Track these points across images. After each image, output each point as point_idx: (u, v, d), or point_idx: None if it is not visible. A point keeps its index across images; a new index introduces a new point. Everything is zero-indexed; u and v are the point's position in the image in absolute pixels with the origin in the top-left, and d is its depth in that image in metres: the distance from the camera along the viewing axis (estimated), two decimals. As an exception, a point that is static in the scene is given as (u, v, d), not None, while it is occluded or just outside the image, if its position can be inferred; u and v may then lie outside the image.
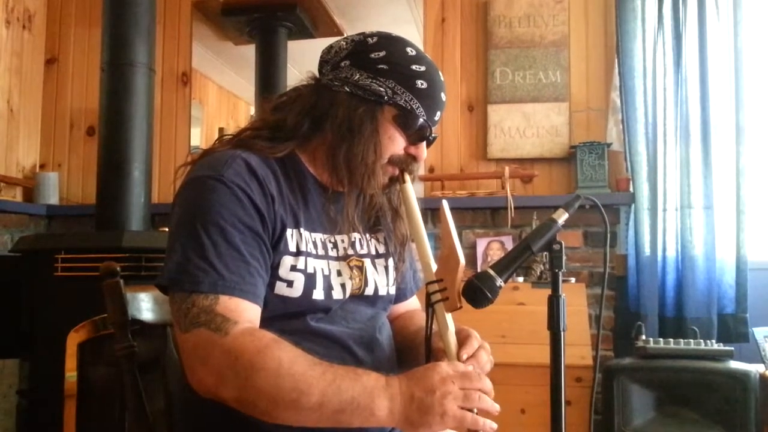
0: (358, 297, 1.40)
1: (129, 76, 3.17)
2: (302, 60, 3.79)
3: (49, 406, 2.85)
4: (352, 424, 1.12)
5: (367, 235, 1.47)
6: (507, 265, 1.27)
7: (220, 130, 4.02)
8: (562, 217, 1.29)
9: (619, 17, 3.38)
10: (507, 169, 3.37)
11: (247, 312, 1.20)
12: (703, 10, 3.25)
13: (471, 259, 3.41)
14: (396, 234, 1.49)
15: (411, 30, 3.67)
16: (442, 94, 1.38)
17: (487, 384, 1.18)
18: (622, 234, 3.40)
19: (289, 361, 1.12)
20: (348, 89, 1.34)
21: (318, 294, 1.31)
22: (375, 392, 1.12)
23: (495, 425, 1.17)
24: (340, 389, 1.11)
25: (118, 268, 1.41)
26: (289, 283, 1.28)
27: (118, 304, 1.40)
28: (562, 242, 1.28)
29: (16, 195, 3.79)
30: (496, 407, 1.17)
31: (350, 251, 1.41)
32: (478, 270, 1.46)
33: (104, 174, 3.18)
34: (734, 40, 3.24)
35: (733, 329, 3.17)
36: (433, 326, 1.31)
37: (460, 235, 3.42)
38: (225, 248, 1.20)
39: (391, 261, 1.50)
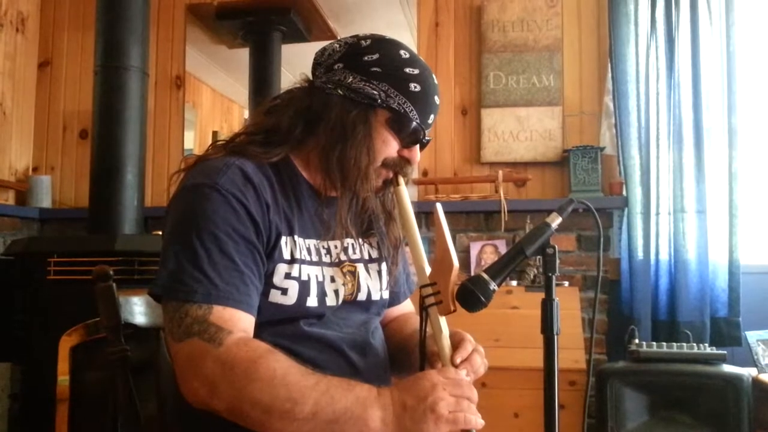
0: (351, 303, 1.40)
1: (122, 80, 3.17)
2: (296, 63, 3.78)
3: (42, 410, 2.84)
4: None
5: (360, 240, 1.47)
6: (500, 269, 1.27)
7: (214, 133, 4.01)
8: (555, 220, 1.29)
9: (612, 21, 3.39)
10: (500, 173, 3.38)
11: (241, 322, 1.19)
12: (695, 14, 3.26)
13: (464, 263, 3.41)
14: (389, 237, 1.49)
15: (405, 34, 3.67)
16: (436, 97, 1.38)
17: (475, 394, 1.18)
18: (615, 238, 3.41)
19: (283, 371, 1.12)
20: (341, 92, 1.33)
21: (312, 301, 1.31)
22: (368, 402, 1.12)
23: (483, 422, 1.17)
24: (333, 399, 1.11)
25: (111, 272, 1.41)
26: (284, 291, 1.28)
27: (110, 307, 1.40)
28: (556, 246, 1.28)
29: (9, 198, 3.77)
30: (481, 422, 1.17)
31: (343, 257, 1.41)
32: (472, 274, 1.46)
33: (97, 177, 3.18)
34: (726, 44, 3.25)
35: (725, 333, 3.18)
36: (427, 330, 1.31)
37: (453, 238, 3.44)
38: (219, 257, 1.19)
39: (384, 265, 1.50)
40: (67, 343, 2.71)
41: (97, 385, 2.74)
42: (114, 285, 1.41)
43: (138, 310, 1.49)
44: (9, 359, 3.36)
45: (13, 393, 3.38)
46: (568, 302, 2.93)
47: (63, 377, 2.72)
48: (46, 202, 3.79)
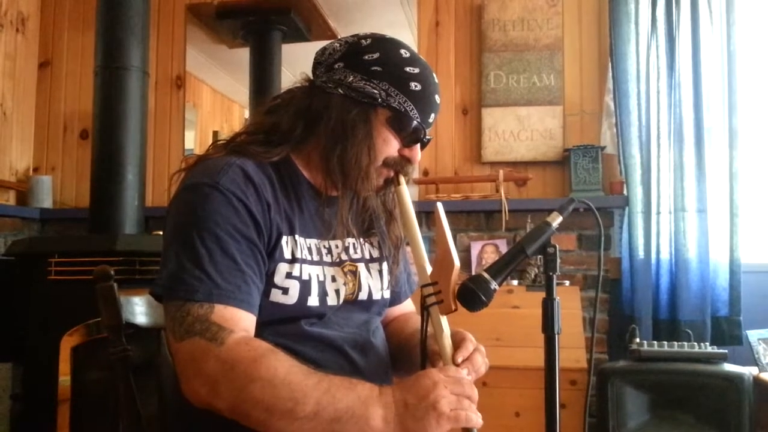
0: (352, 302, 1.40)
1: (123, 80, 3.17)
2: (296, 63, 3.78)
3: (43, 410, 2.84)
4: None
5: (361, 240, 1.47)
6: (501, 269, 1.27)
7: (215, 133, 4.01)
8: (556, 220, 1.29)
9: (612, 21, 3.39)
10: (501, 173, 3.38)
11: (242, 321, 1.19)
12: (696, 13, 3.26)
13: (465, 263, 3.41)
14: (390, 237, 1.49)
15: (405, 33, 3.67)
16: (437, 96, 1.38)
17: (475, 393, 1.18)
18: (616, 237, 3.41)
19: (285, 371, 1.12)
20: (341, 91, 1.33)
21: (313, 301, 1.31)
22: (369, 401, 1.12)
23: (482, 422, 1.17)
24: (335, 398, 1.10)
25: (112, 272, 1.41)
26: (285, 291, 1.28)
27: (111, 307, 1.40)
28: (557, 245, 1.28)
29: (10, 198, 3.77)
30: (480, 421, 1.17)
31: (344, 256, 1.41)
32: (473, 273, 1.46)
33: (98, 177, 3.18)
34: (727, 44, 3.25)
35: (726, 332, 3.18)
36: (428, 329, 1.31)
37: (454, 238, 3.43)
38: (220, 257, 1.19)
39: (385, 265, 1.49)
40: (68, 343, 2.72)
41: (98, 385, 2.74)
42: (115, 285, 1.41)
43: (139, 310, 1.49)
44: (10, 359, 3.36)
45: (14, 393, 3.38)
46: (569, 301, 2.93)
47: (64, 377, 2.73)
48: (46, 203, 3.79)
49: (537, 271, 3.13)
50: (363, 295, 1.42)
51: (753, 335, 2.92)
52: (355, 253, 1.44)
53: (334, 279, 1.36)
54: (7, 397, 3.38)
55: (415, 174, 3.34)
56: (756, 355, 2.86)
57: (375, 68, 1.32)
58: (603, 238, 1.43)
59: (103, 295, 1.39)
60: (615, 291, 3.35)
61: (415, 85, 1.33)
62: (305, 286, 1.30)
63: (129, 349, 1.40)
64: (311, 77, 1.42)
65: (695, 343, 2.73)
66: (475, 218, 3.50)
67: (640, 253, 3.26)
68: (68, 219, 3.82)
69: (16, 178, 3.81)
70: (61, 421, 2.73)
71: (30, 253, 3.02)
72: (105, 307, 1.40)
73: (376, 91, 1.31)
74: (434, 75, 1.39)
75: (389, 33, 1.40)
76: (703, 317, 3.15)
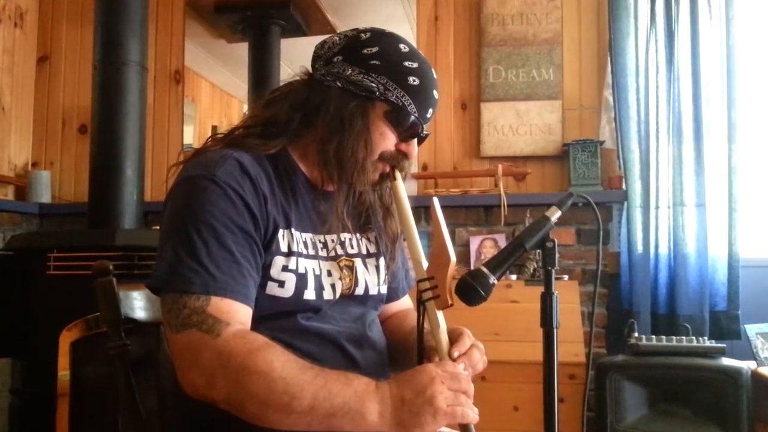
0: (348, 297, 1.40)
1: (121, 75, 3.16)
2: (295, 58, 3.78)
3: (43, 405, 2.84)
4: (343, 429, 1.12)
5: (357, 235, 1.47)
6: (500, 263, 1.27)
7: (213, 128, 4.01)
8: (555, 214, 1.29)
9: (611, 15, 3.39)
10: (500, 167, 3.37)
11: (238, 313, 1.19)
12: (695, 7, 3.26)
13: (464, 257, 3.42)
14: (387, 232, 1.49)
15: (404, 28, 3.67)
16: (435, 92, 1.38)
17: (472, 388, 1.18)
18: (614, 232, 3.41)
19: (281, 365, 1.12)
20: (340, 84, 1.33)
21: (309, 294, 1.31)
22: (366, 396, 1.12)
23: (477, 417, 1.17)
24: (331, 393, 1.10)
25: (111, 267, 1.41)
26: (281, 284, 1.28)
27: (111, 302, 1.40)
28: (555, 240, 1.28)
29: (8, 193, 3.77)
30: (476, 417, 1.17)
31: (340, 251, 1.41)
32: (472, 268, 1.46)
33: (97, 172, 3.18)
34: (726, 38, 3.25)
35: (725, 326, 3.18)
36: (425, 324, 1.31)
37: (453, 233, 3.44)
38: (216, 249, 1.19)
39: (382, 260, 1.49)
40: (67, 338, 2.73)
41: (98, 380, 2.75)
42: (114, 280, 1.41)
43: (138, 304, 1.49)
44: (9, 354, 3.36)
45: (14, 388, 3.38)
46: (568, 296, 2.93)
47: (63, 372, 2.74)
48: (45, 197, 3.79)
49: (536, 265, 3.13)
50: (359, 290, 1.42)
51: (751, 329, 2.93)
52: (352, 248, 1.44)
53: (329, 273, 1.36)
54: (6, 392, 3.38)
55: (414, 169, 3.35)
56: (754, 350, 2.87)
57: (373, 62, 1.32)
58: (601, 233, 1.44)
59: (102, 290, 1.40)
60: (614, 285, 3.36)
61: (413, 80, 1.33)
62: (301, 280, 1.30)
63: (128, 344, 1.40)
64: (310, 70, 1.42)
65: (693, 338, 2.74)
66: (474, 213, 3.50)
67: (639, 247, 3.26)
68: (67, 214, 3.82)
69: (14, 173, 3.81)
70: (60, 416, 2.74)
71: (29, 248, 3.02)
72: (104, 302, 1.40)
73: (374, 85, 1.31)
74: (433, 70, 1.39)
75: (388, 28, 1.40)
76: (701, 311, 3.16)
